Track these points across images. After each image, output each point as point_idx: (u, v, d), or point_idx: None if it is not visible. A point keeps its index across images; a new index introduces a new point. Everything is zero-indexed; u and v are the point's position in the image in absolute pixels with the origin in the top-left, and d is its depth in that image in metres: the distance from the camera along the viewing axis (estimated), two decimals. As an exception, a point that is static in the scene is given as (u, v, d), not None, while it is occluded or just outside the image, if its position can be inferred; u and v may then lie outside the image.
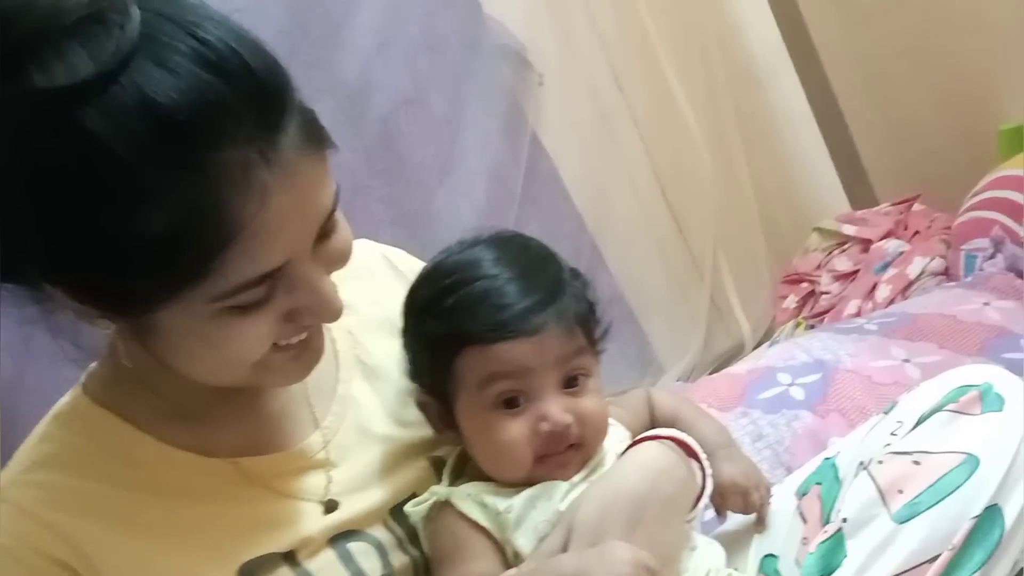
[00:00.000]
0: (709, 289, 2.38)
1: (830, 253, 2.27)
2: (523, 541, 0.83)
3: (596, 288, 0.92)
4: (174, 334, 0.73)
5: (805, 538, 0.93)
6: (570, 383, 0.85)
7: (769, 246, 2.40)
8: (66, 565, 0.75)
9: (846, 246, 2.26)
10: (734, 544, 0.97)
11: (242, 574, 0.78)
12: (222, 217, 0.66)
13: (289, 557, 0.81)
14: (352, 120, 1.95)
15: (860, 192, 2.42)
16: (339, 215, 0.76)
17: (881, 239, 2.19)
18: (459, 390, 0.85)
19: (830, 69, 2.34)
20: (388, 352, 0.93)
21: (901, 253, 2.11)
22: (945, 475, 0.84)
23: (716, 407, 1.47)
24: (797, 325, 2.16)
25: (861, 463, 0.91)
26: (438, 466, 0.90)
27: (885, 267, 2.10)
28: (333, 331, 0.91)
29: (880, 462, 0.88)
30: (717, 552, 0.91)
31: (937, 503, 0.83)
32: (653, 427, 0.96)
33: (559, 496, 0.84)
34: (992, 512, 0.83)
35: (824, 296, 2.18)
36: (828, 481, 0.95)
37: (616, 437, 0.91)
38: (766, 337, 2.30)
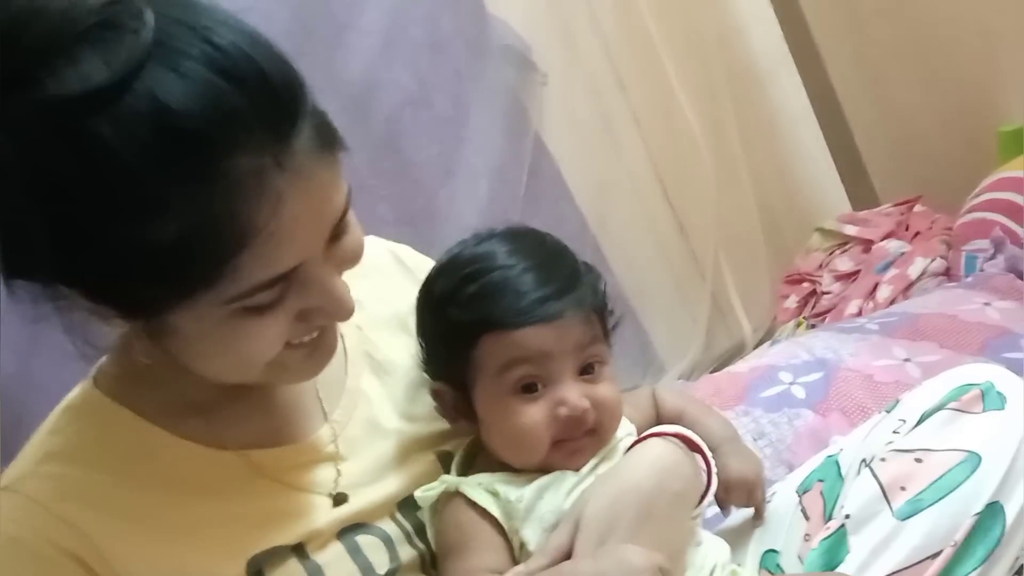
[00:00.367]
0: (710, 289, 2.38)
1: (831, 253, 2.28)
2: (529, 532, 0.83)
3: (599, 286, 0.93)
4: (188, 335, 0.73)
5: (807, 535, 0.93)
6: (586, 370, 0.87)
7: (770, 246, 2.40)
8: (78, 558, 0.75)
9: (847, 246, 2.26)
10: (734, 540, 0.97)
11: (251, 567, 0.79)
12: (235, 224, 0.65)
13: (298, 549, 0.81)
14: (356, 120, 1.95)
15: (861, 193, 2.42)
16: (351, 215, 0.76)
17: (882, 239, 2.19)
18: (478, 376, 0.86)
19: (832, 70, 2.35)
20: (396, 347, 0.94)
21: (902, 254, 2.11)
22: (947, 473, 0.85)
23: (718, 405, 1.46)
24: (798, 325, 2.17)
25: (864, 461, 0.91)
26: (446, 461, 0.91)
27: (886, 267, 2.11)
28: (342, 327, 0.91)
29: (883, 460, 0.89)
30: (722, 548, 0.92)
31: (939, 500, 0.84)
32: (659, 424, 0.96)
33: (567, 488, 0.85)
34: (993, 509, 0.83)
35: (825, 296, 2.19)
36: (831, 478, 0.95)
37: (624, 430, 0.91)
38: (767, 337, 2.31)
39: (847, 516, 0.88)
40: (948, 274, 2.03)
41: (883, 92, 2.29)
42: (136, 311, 0.71)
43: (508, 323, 0.84)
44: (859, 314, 2.00)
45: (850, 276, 2.19)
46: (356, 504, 0.85)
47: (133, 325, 0.76)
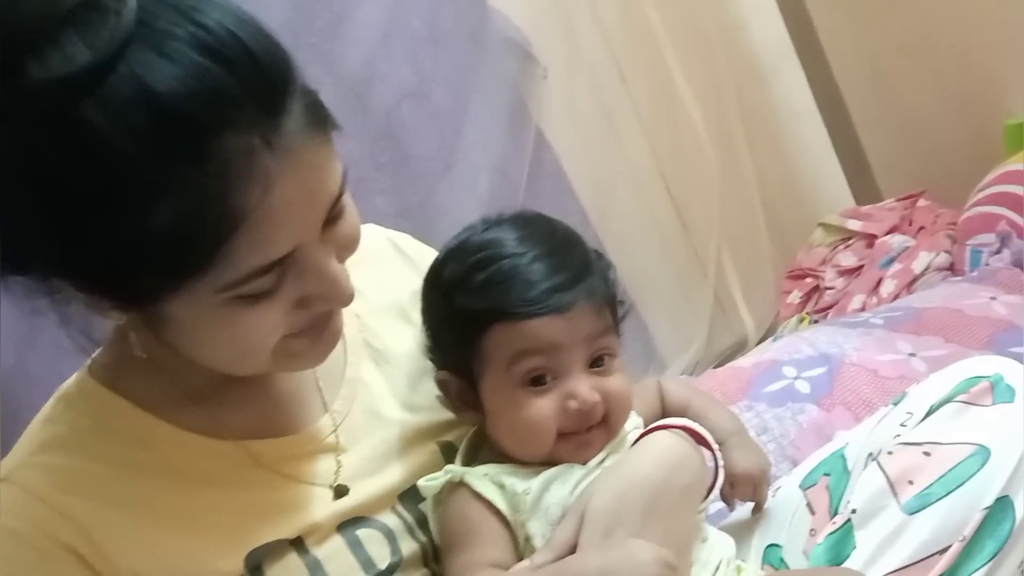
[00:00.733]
0: (712, 284, 2.38)
1: (835, 248, 2.27)
2: (535, 525, 0.82)
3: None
4: (185, 325, 0.72)
5: (813, 529, 0.93)
6: (596, 362, 0.85)
7: (773, 241, 2.39)
8: (74, 552, 0.74)
9: (851, 241, 2.26)
10: (736, 534, 0.96)
11: (249, 561, 0.78)
12: (225, 206, 0.65)
13: (297, 543, 0.80)
14: (355, 113, 1.94)
15: (865, 187, 2.42)
16: (347, 199, 0.74)
17: (886, 234, 2.19)
18: (486, 367, 0.85)
19: (835, 64, 2.35)
20: (396, 336, 0.93)
21: (906, 248, 2.11)
22: (956, 466, 0.83)
23: (721, 400, 1.46)
24: (801, 320, 2.16)
25: (870, 454, 0.90)
26: (448, 451, 0.90)
27: (890, 262, 2.10)
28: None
29: (890, 453, 0.88)
30: (727, 543, 0.91)
31: (948, 494, 0.83)
32: (664, 416, 0.95)
33: (574, 481, 0.83)
34: (1003, 503, 0.82)
35: (828, 291, 2.18)
36: (837, 472, 0.95)
37: (631, 423, 0.90)
38: (770, 333, 2.31)
39: (853, 510, 0.87)
40: (952, 269, 2.02)
41: (887, 86, 2.29)
42: (131, 301, 0.70)
43: (518, 313, 0.82)
44: (862, 309, 2.00)
45: (853, 271, 2.18)
46: (357, 496, 0.84)
47: (130, 317, 0.75)
